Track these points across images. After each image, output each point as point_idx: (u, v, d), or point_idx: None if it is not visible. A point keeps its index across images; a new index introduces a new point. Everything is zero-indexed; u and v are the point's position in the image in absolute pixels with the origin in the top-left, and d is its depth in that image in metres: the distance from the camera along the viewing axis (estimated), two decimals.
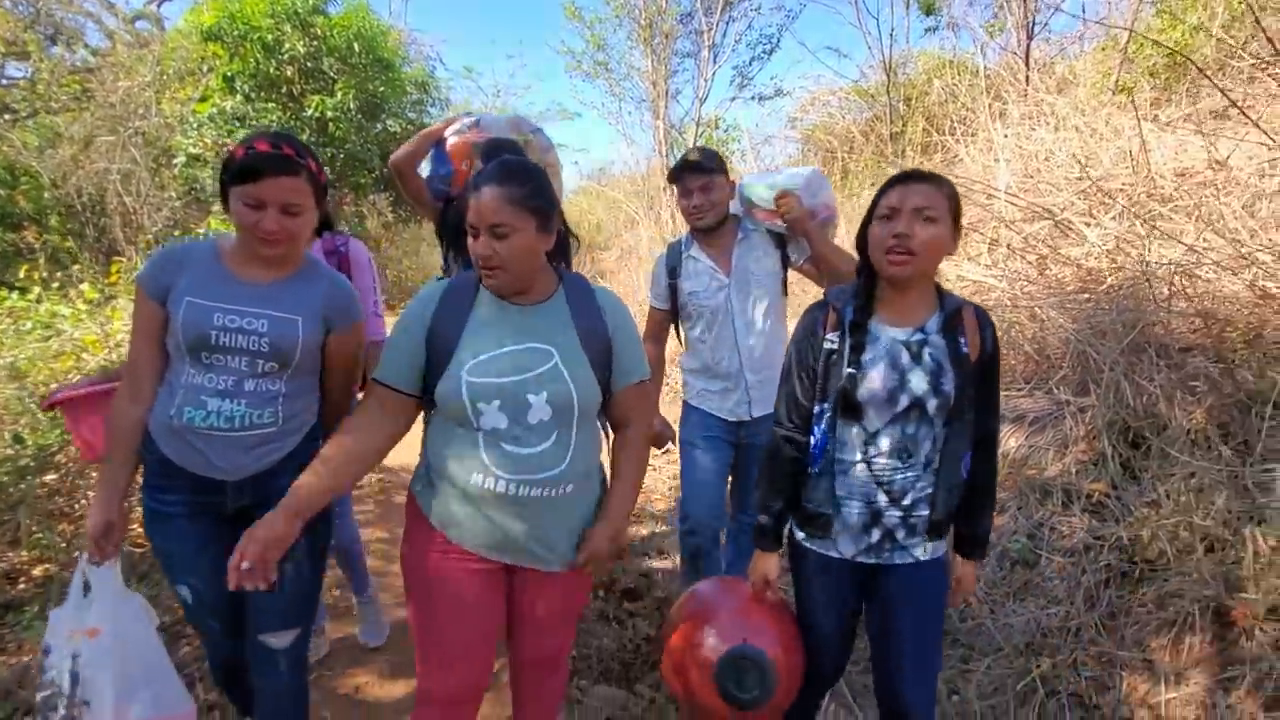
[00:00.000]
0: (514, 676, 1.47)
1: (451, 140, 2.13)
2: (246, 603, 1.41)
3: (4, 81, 8.29)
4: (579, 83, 9.62)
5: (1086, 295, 2.88)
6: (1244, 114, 2.59)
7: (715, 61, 7.94)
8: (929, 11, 8.66)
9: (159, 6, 13.49)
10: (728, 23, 7.76)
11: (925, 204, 1.19)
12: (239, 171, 1.26)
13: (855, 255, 1.75)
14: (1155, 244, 2.71)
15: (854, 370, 1.25)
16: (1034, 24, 5.02)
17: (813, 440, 1.32)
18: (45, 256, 5.59)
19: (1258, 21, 3.02)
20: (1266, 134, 2.76)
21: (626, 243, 8.33)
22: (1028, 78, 4.95)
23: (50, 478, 2.67)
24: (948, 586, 1.36)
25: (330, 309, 1.39)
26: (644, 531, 3.03)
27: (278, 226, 1.27)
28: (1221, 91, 2.78)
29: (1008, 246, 3.35)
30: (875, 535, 1.30)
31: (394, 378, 1.21)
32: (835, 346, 1.29)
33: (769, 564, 1.40)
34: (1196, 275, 2.49)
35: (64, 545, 2.56)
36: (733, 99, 8.27)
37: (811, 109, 7.04)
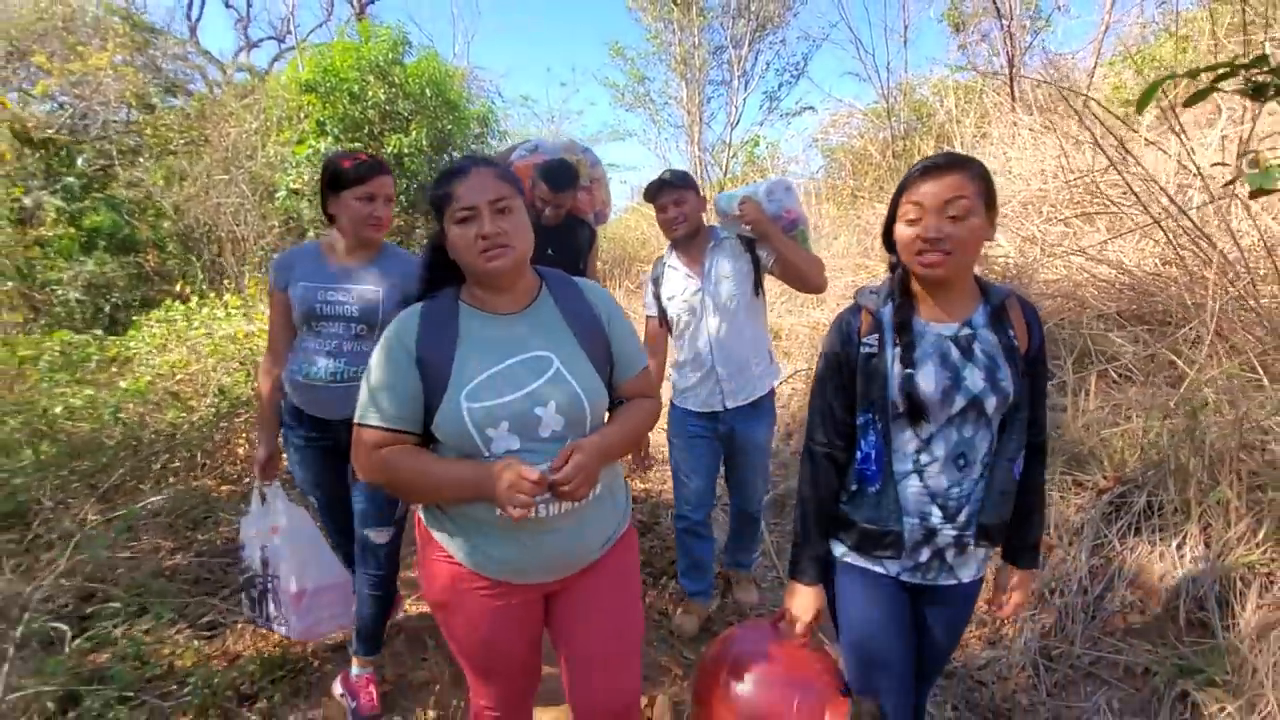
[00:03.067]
0: None
1: (516, 165, 2.48)
2: (356, 512, 1.90)
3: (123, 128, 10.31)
4: (622, 113, 10.94)
5: (1009, 283, 3.84)
6: (1103, 138, 3.50)
7: (746, 88, 9.11)
8: (958, 29, 9.64)
9: (248, 55, 15.81)
10: (756, 54, 8.93)
11: (955, 194, 1.13)
12: (355, 176, 1.74)
13: (819, 258, 2.11)
14: (1039, 244, 3.67)
15: (910, 370, 1.20)
16: (1014, 53, 5.95)
17: (860, 454, 1.27)
18: (202, 274, 7.30)
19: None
20: (1126, 137, 3.68)
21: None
22: (1013, 106, 5.87)
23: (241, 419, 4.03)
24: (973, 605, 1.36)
25: (406, 280, 1.79)
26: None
27: (385, 214, 1.80)
28: (1110, 112, 3.72)
29: None
30: (925, 554, 1.26)
31: (386, 419, 1.16)
32: (874, 350, 1.24)
33: (809, 600, 1.34)
34: (1057, 267, 3.44)
35: (235, 475, 3.91)
36: (761, 123, 9.39)
37: (833, 130, 8.06)
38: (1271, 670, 1.65)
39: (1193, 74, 1.08)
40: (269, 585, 1.95)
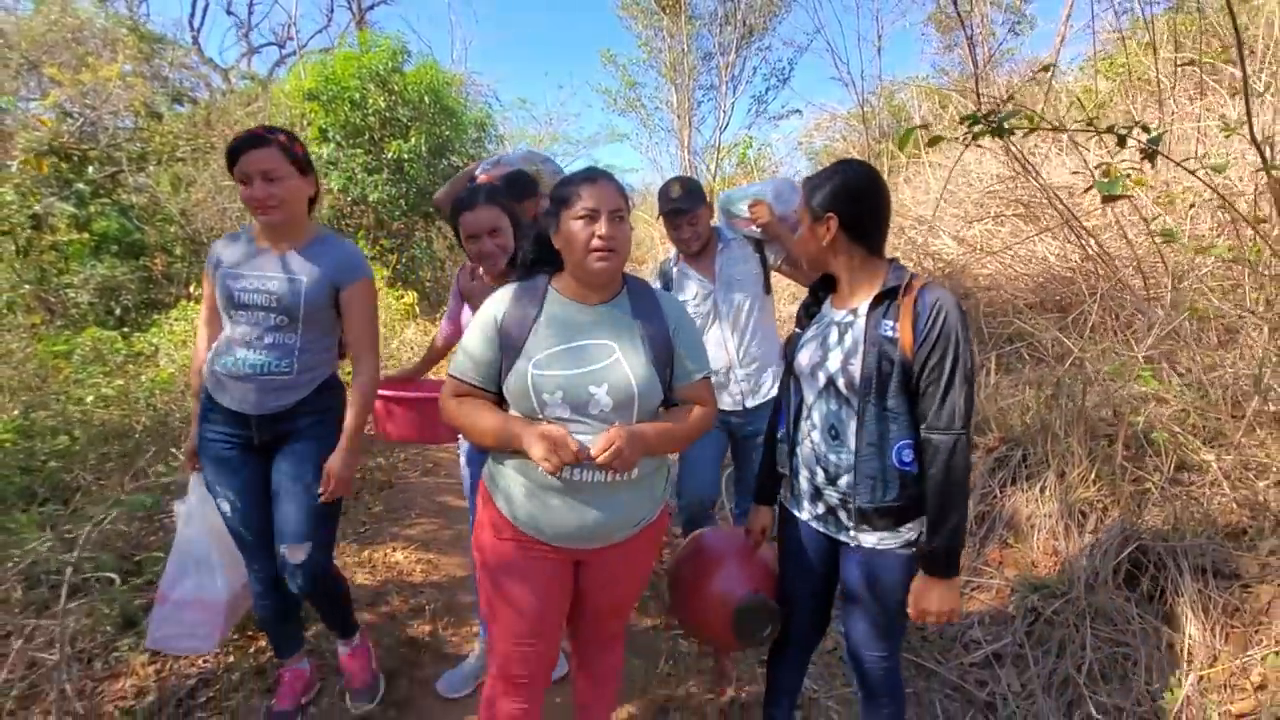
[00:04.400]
0: (573, 654, 1.68)
1: (480, 177, 2.57)
2: (274, 522, 1.79)
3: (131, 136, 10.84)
4: (614, 117, 11.42)
5: (939, 278, 4.31)
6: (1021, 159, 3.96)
7: (734, 93, 9.60)
8: (941, 29, 10.12)
9: (250, 61, 16.37)
10: (744, 59, 9.43)
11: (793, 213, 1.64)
12: (227, 159, 1.63)
13: None
14: (976, 244, 4.14)
15: (792, 348, 1.52)
16: (978, 63, 6.40)
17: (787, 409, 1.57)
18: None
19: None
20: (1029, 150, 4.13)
21: (659, 257, 10.01)
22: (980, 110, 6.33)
23: None
24: (904, 583, 1.40)
25: (337, 270, 1.75)
26: None
27: (264, 193, 1.62)
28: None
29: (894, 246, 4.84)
30: (820, 508, 1.49)
31: (467, 373, 1.39)
32: (800, 329, 1.55)
33: (762, 516, 1.70)
34: (989, 263, 3.91)
35: None
36: (749, 126, 9.92)
37: (817, 133, 8.54)
38: (1087, 578, 2.12)
39: (925, 126, 1.55)
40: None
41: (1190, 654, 1.89)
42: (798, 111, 9.53)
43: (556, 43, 34.51)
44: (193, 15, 15.30)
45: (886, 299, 1.36)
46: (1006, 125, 1.72)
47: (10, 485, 3.21)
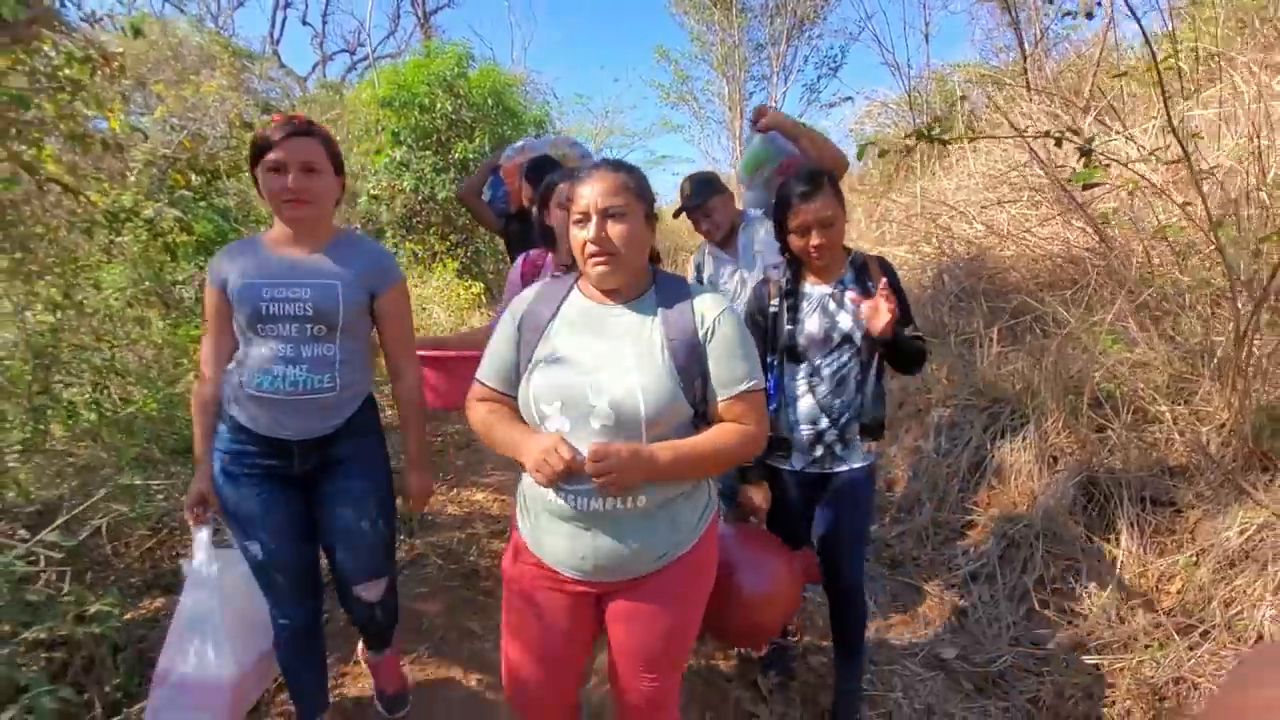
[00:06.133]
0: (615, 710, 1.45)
1: (504, 165, 2.74)
2: (336, 563, 1.72)
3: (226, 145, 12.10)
4: (668, 110, 12.01)
5: (972, 261, 4.71)
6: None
7: (785, 82, 10.01)
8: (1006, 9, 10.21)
9: (324, 69, 17.67)
10: (795, 49, 9.83)
11: (826, 212, 1.66)
12: (262, 144, 1.51)
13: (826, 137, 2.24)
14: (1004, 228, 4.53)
15: (792, 325, 1.73)
16: (1025, 49, 6.66)
17: (769, 383, 1.74)
18: None
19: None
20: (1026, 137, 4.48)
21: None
22: (1029, 96, 6.59)
23: None
24: (870, 497, 1.83)
25: (371, 274, 1.65)
26: None
27: (300, 185, 1.52)
28: (1070, 102, 4.51)
29: (920, 233, 5.28)
30: (818, 451, 1.77)
31: (487, 377, 1.35)
32: (777, 309, 1.76)
33: (761, 492, 1.85)
34: (1010, 246, 4.31)
35: None
36: (801, 114, 10.31)
37: (867, 120, 8.87)
38: (1046, 508, 2.59)
39: (873, 142, 2.07)
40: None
41: (1123, 564, 2.36)
42: (849, 99, 9.87)
43: (611, 39, 35.64)
44: (272, 27, 16.72)
45: (861, 268, 1.77)
46: (941, 138, 2.22)
47: (170, 442, 4.08)
